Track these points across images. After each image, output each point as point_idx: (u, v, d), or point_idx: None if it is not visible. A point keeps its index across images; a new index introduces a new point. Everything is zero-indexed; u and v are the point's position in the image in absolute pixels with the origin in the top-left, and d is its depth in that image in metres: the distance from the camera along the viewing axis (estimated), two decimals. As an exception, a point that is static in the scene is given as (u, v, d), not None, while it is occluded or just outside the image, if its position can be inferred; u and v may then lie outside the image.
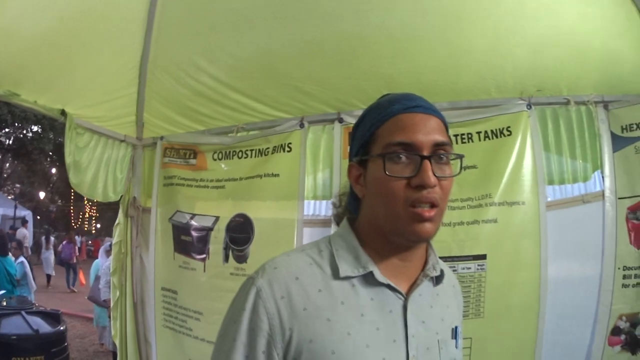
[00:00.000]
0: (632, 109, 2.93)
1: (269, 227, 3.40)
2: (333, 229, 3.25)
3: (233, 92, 3.46)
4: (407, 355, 1.25)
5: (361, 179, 1.31)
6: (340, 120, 3.27)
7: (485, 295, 2.89)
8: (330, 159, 3.32)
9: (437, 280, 1.39)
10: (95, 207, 34.66)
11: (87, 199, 33.68)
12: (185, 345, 3.59)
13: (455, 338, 1.41)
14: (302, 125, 3.36)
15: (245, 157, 3.56)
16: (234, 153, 3.59)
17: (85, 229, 34.38)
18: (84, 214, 35.41)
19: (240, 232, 3.52)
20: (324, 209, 3.43)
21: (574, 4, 2.77)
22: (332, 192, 3.23)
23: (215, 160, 3.67)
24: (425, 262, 1.36)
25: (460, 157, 1.30)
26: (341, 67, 3.17)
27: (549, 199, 2.96)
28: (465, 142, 3.04)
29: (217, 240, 3.57)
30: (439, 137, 1.23)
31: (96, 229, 35.96)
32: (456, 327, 1.42)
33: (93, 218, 36.23)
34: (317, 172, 3.39)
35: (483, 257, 2.93)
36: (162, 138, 3.83)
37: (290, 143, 3.37)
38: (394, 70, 3.10)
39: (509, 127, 2.99)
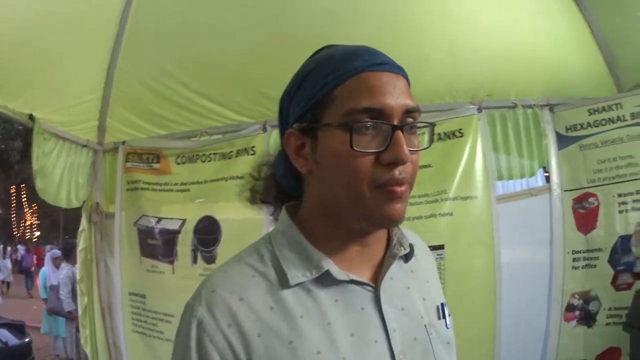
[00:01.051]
0: (576, 111, 3.45)
1: (237, 228, 3.72)
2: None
3: (199, 97, 3.73)
4: (392, 354, 1.12)
5: (305, 150, 1.13)
6: None
7: (445, 282, 3.28)
8: None
9: (408, 256, 1.24)
10: (36, 215, 34.37)
11: (27, 207, 33.58)
12: (157, 349, 3.81)
13: (444, 317, 1.29)
14: (265, 129, 3.69)
15: (209, 161, 3.85)
16: (198, 157, 3.88)
17: (27, 237, 34.09)
18: (25, 222, 35.14)
19: (208, 234, 3.80)
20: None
21: (526, 18, 3.26)
22: None
23: (178, 164, 3.93)
24: (389, 240, 1.23)
25: (432, 125, 1.20)
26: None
27: (499, 193, 3.47)
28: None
29: (185, 242, 3.84)
30: (410, 102, 1.07)
31: (37, 237, 35.68)
32: (442, 304, 1.30)
33: (34, 226, 35.96)
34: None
35: (441, 247, 3.36)
36: (124, 143, 4.05)
37: (253, 147, 3.69)
38: None
39: (460, 129, 3.48)
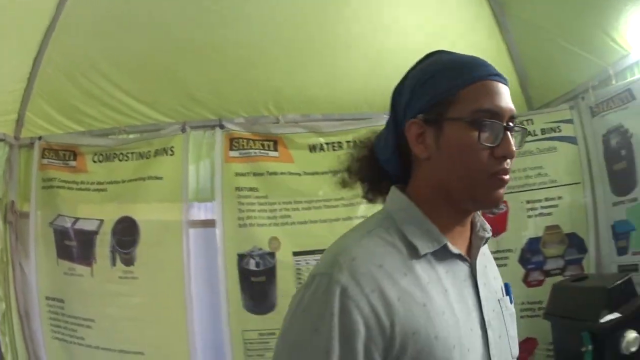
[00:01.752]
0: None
1: (155, 229, 3.82)
2: (217, 229, 3.77)
3: (123, 95, 3.84)
4: (484, 321, 1.34)
5: (426, 138, 1.32)
6: (222, 127, 3.76)
7: None
8: (212, 162, 3.80)
9: (486, 240, 1.44)
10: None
11: None
12: (78, 356, 3.87)
13: (509, 294, 1.52)
14: (184, 130, 3.79)
15: (126, 160, 3.93)
16: (115, 155, 3.94)
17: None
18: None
19: (126, 235, 3.89)
20: (209, 210, 3.97)
21: (450, 37, 3.68)
22: (214, 195, 3.79)
23: (95, 162, 3.99)
24: (472, 224, 1.44)
25: (526, 130, 1.44)
26: (230, 75, 3.69)
27: None
28: (336, 150, 3.82)
29: (104, 244, 3.91)
30: (514, 110, 1.32)
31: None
32: (505, 284, 1.53)
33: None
34: (199, 175, 3.87)
35: None
36: (40, 138, 4.05)
37: (172, 147, 3.78)
38: (282, 83, 3.72)
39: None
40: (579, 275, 3.87)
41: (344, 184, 1.59)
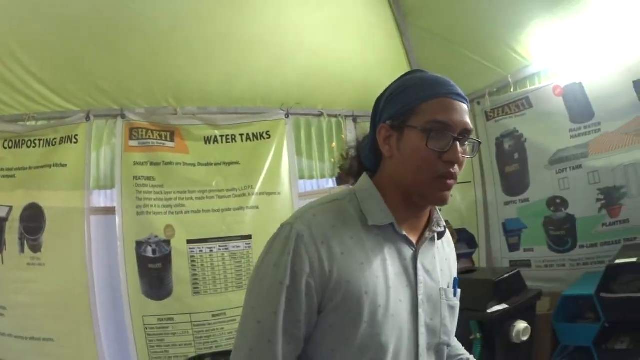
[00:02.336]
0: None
1: (60, 216, 3.97)
2: (117, 217, 3.99)
3: (35, 81, 3.96)
4: (417, 300, 1.60)
5: (391, 140, 1.60)
6: (123, 116, 3.96)
7: (250, 268, 3.71)
8: (112, 151, 3.99)
9: (439, 235, 1.74)
10: None
11: None
12: None
13: (454, 287, 1.76)
14: (88, 119, 3.97)
15: (34, 147, 4.06)
16: (24, 142, 4.07)
17: None
18: None
19: (33, 222, 4.02)
20: (108, 198, 4.17)
21: (349, 41, 3.99)
22: (114, 182, 4.00)
23: (5, 148, 4.09)
24: (430, 219, 1.71)
25: (479, 143, 1.66)
26: (134, 66, 3.90)
27: (301, 191, 4.11)
28: (229, 142, 4.10)
29: (12, 231, 4.03)
30: (468, 125, 1.57)
31: None
32: (455, 278, 1.78)
33: None
34: (101, 163, 4.07)
35: (249, 237, 3.93)
36: None
37: (77, 135, 3.95)
38: (183, 77, 3.97)
39: (268, 131, 4.10)
40: (468, 268, 4.18)
41: (339, 181, 1.77)
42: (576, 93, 4.01)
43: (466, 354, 2.02)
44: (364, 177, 1.75)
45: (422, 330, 1.68)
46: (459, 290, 1.86)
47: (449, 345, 1.81)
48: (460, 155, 1.62)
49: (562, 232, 4.21)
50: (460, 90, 1.67)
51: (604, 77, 3.85)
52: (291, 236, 1.56)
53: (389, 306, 1.58)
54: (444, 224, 1.90)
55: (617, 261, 3.37)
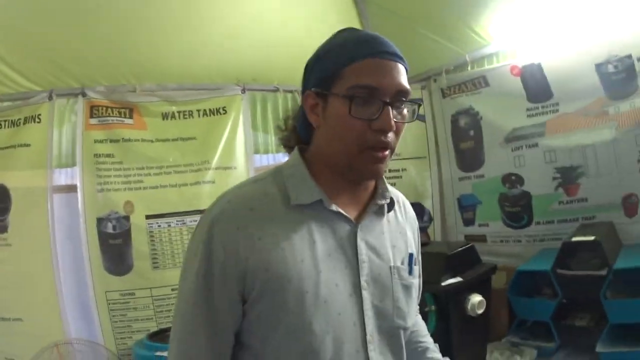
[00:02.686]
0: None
1: (24, 196, 3.78)
2: (79, 194, 3.83)
3: (1, 63, 3.75)
4: (359, 281, 1.37)
5: (318, 108, 1.38)
6: (84, 95, 3.76)
7: None
8: (73, 129, 3.85)
9: (389, 207, 1.51)
10: None
11: None
12: None
13: (410, 264, 1.51)
14: (50, 98, 3.77)
15: (0, 128, 3.86)
16: None
17: None
18: None
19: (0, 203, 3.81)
20: (69, 176, 3.97)
21: (305, 19, 3.83)
22: (75, 160, 3.80)
23: None
24: (375, 190, 1.48)
25: (418, 103, 1.43)
26: (94, 44, 3.71)
27: (256, 165, 3.99)
28: (187, 118, 3.92)
29: None
30: (403, 85, 1.33)
31: None
32: (411, 254, 1.53)
33: None
34: (62, 142, 3.89)
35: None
36: None
37: (39, 114, 3.77)
38: (141, 55, 3.79)
39: (224, 107, 3.93)
40: (422, 241, 3.79)
41: (286, 149, 1.66)
42: (534, 73, 3.80)
43: (428, 341, 1.77)
44: (294, 152, 1.52)
45: (369, 314, 1.41)
46: (415, 268, 1.58)
47: (405, 329, 1.52)
48: (394, 121, 1.35)
49: (517, 208, 4.00)
50: (393, 48, 1.40)
51: (564, 59, 3.67)
52: (206, 224, 1.35)
53: (319, 292, 1.33)
54: (397, 194, 1.66)
55: (574, 239, 3.19)
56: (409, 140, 4.38)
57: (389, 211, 1.52)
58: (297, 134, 1.55)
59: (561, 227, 3.71)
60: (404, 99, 1.35)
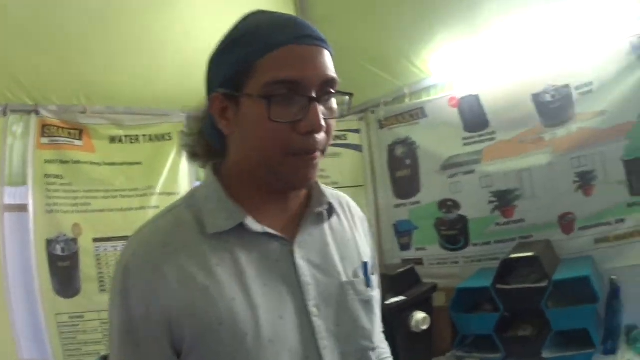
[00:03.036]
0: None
1: None
2: (30, 214, 3.66)
3: None
4: (307, 308, 1.12)
5: (228, 113, 1.12)
6: (37, 113, 3.57)
7: None
8: (25, 148, 3.61)
9: (329, 213, 1.26)
10: None
11: None
12: None
13: (365, 275, 1.25)
14: (5, 114, 3.56)
15: None
16: None
17: None
18: None
19: None
20: (18, 195, 3.70)
21: None
22: (26, 179, 3.55)
23: None
24: (310, 197, 1.25)
25: (350, 94, 1.16)
26: (50, 63, 3.48)
27: None
28: (133, 143, 3.79)
29: None
30: (330, 74, 1.08)
31: None
32: (365, 263, 1.27)
33: None
34: (14, 159, 3.60)
35: None
36: None
37: None
38: (96, 76, 3.57)
39: (169, 133, 3.85)
40: None
41: (190, 160, 1.30)
42: (472, 104, 3.83)
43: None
44: (207, 168, 1.21)
45: (325, 343, 1.09)
46: (373, 278, 1.28)
47: (374, 349, 1.21)
48: (324, 118, 1.04)
49: (454, 231, 3.98)
50: (314, 30, 1.09)
51: (502, 90, 3.68)
52: (120, 271, 1.06)
53: (260, 331, 1.02)
54: (338, 195, 1.36)
55: (513, 255, 3.23)
56: (347, 169, 4.39)
57: (330, 217, 1.27)
58: (206, 140, 1.25)
59: (498, 247, 3.74)
60: (331, 90, 1.10)
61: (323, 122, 1.06)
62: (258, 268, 1.10)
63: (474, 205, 3.85)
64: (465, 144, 3.86)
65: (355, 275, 1.23)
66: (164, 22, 3.74)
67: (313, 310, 1.11)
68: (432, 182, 4.07)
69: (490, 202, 3.74)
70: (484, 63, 3.76)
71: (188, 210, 1.14)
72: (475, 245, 3.85)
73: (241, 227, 1.11)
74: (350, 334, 1.17)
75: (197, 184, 4.08)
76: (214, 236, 1.09)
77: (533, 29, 3.50)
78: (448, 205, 3.98)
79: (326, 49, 1.11)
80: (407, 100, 4.17)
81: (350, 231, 1.32)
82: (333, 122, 1.12)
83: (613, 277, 3.07)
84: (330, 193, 1.32)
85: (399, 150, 4.28)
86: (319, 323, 1.11)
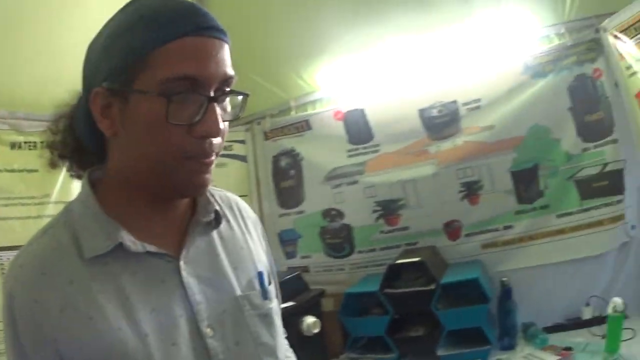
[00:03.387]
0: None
1: None
2: None
3: None
4: (200, 329, 1.02)
5: (112, 111, 0.99)
6: None
7: None
8: None
9: (217, 222, 1.16)
10: None
11: None
12: None
13: (261, 287, 1.15)
14: None
15: None
16: None
17: None
18: None
19: None
20: None
21: None
22: None
23: None
24: (196, 205, 1.15)
25: (245, 94, 1.09)
26: None
27: None
28: (31, 149, 3.67)
29: None
30: (230, 72, 0.99)
31: None
32: (259, 274, 1.16)
33: None
34: None
35: None
36: None
37: None
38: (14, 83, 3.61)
39: None
40: None
41: (52, 164, 1.18)
42: (357, 118, 4.08)
43: None
44: (83, 180, 1.10)
45: None
46: (270, 288, 1.21)
47: None
48: (222, 120, 0.97)
49: (339, 239, 4.18)
50: (215, 21, 1.01)
51: (388, 105, 3.91)
52: (6, 297, 0.97)
53: None
54: (228, 198, 1.26)
55: (399, 261, 3.46)
56: (232, 179, 4.52)
57: (217, 226, 1.18)
58: (77, 138, 1.14)
59: (384, 254, 3.99)
60: (227, 90, 1.02)
61: (222, 125, 0.99)
62: (144, 291, 1.01)
63: (358, 214, 4.11)
64: (349, 156, 4.11)
65: (251, 286, 1.17)
66: (65, 28, 3.62)
67: (207, 331, 1.03)
68: (316, 192, 4.31)
69: (375, 211, 4.04)
70: (372, 78, 4.03)
71: (65, 229, 1.04)
72: (360, 252, 4.11)
73: (121, 247, 1.01)
74: (252, 352, 1.10)
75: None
76: (93, 260, 1.00)
77: (426, 47, 3.70)
78: (332, 214, 4.24)
79: (227, 43, 1.04)
80: (293, 112, 4.41)
81: (243, 237, 1.24)
82: (227, 124, 1.05)
83: (504, 279, 3.34)
84: (220, 196, 1.27)
85: (284, 161, 4.48)
86: (214, 345, 1.03)
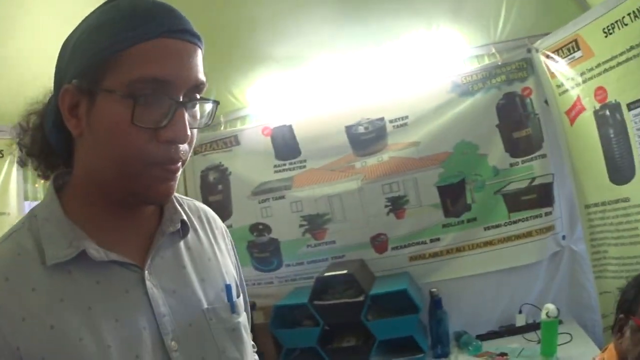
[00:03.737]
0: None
1: None
2: None
3: None
4: (165, 343, 0.99)
5: (80, 110, 0.95)
6: None
7: None
8: None
9: (184, 232, 1.14)
10: None
11: None
12: None
13: (229, 300, 1.13)
14: None
15: None
16: None
17: None
18: None
19: None
20: None
21: None
22: None
23: None
24: (162, 214, 1.13)
25: (216, 102, 1.08)
26: None
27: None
28: None
29: None
30: (200, 77, 0.98)
31: None
32: (227, 286, 1.15)
33: None
34: None
35: None
36: None
37: None
38: None
39: (1, 150, 3.73)
40: None
41: (20, 162, 1.12)
42: (285, 134, 4.25)
43: None
44: (49, 184, 1.06)
45: None
46: (238, 301, 1.20)
47: None
48: (189, 127, 0.96)
49: (266, 254, 4.30)
50: (189, 24, 0.99)
51: (315, 122, 4.08)
52: None
53: None
54: (196, 207, 1.26)
55: (327, 274, 3.57)
56: None
57: (184, 236, 1.16)
58: (45, 137, 1.08)
59: (312, 267, 4.15)
60: (198, 96, 1.01)
61: (189, 132, 0.98)
62: (107, 301, 0.98)
63: (285, 229, 4.28)
64: (276, 171, 4.27)
65: (218, 299, 1.16)
66: (6, 35, 3.51)
67: (172, 344, 1.01)
68: (243, 207, 4.45)
69: (301, 225, 4.21)
70: (300, 95, 4.24)
71: (29, 234, 1.00)
72: (288, 265, 4.27)
73: (85, 254, 0.98)
74: None
75: (27, 203, 4.13)
76: (56, 267, 0.96)
77: (355, 65, 3.86)
78: (259, 228, 4.40)
79: (201, 48, 1.02)
80: (222, 128, 4.56)
81: (211, 248, 1.23)
82: (195, 132, 1.04)
83: (433, 289, 3.52)
84: (189, 205, 1.27)
85: (212, 176, 4.59)
86: (179, 359, 1.00)
